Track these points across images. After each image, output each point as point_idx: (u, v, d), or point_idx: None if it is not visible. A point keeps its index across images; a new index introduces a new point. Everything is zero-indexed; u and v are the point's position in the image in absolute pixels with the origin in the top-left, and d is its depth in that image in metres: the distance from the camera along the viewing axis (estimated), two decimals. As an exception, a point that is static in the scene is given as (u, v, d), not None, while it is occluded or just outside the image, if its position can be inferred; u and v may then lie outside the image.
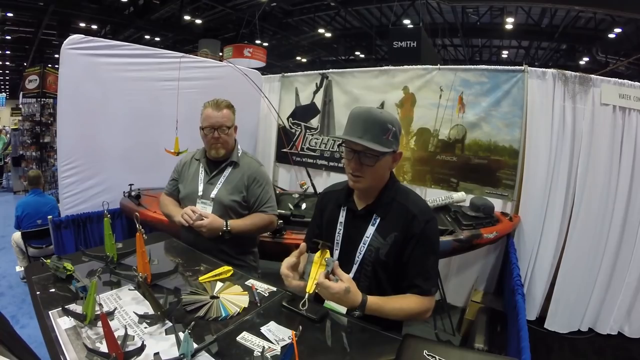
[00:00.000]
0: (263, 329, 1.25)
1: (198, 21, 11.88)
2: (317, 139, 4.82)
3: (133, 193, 3.52)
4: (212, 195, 2.07)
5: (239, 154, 2.18)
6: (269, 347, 1.13)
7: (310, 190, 3.75)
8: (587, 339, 3.43)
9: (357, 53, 15.32)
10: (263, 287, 1.55)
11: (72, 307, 1.27)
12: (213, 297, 1.42)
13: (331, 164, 4.73)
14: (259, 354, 1.04)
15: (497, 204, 3.55)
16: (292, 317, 1.35)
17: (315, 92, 4.81)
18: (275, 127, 5.13)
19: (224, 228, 1.98)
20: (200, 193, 2.10)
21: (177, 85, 3.86)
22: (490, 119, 3.72)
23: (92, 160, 3.61)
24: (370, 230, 1.45)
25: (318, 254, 1.32)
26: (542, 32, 10.74)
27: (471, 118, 3.81)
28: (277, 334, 1.23)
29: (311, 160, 4.81)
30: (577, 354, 3.25)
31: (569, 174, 3.41)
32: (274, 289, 1.54)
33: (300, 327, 0.89)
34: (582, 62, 11.51)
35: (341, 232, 1.51)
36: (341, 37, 13.67)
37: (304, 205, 3.31)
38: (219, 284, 1.53)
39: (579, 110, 3.34)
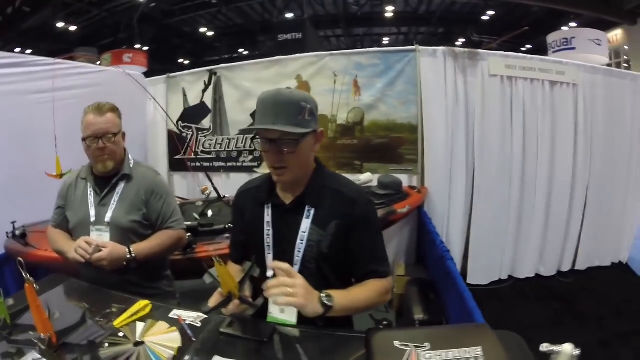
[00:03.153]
0: (209, 369, 1.02)
1: (73, 28, 10.93)
2: (211, 140, 4.59)
3: (17, 232, 2.96)
4: (107, 219, 1.75)
5: (131, 165, 1.88)
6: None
7: (214, 195, 3.52)
8: (509, 286, 3.75)
9: (241, 50, 15.19)
10: (192, 317, 1.30)
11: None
12: (137, 344, 1.14)
13: (229, 164, 4.53)
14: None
15: (404, 179, 3.70)
16: (236, 343, 1.14)
17: (204, 91, 4.55)
18: (164, 133, 4.76)
19: (128, 256, 1.69)
20: (92, 219, 1.77)
21: (52, 96, 3.36)
22: (386, 99, 3.86)
23: None
24: (306, 223, 1.30)
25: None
26: (421, 18, 11.57)
27: (368, 100, 3.91)
28: (228, 370, 1.01)
29: (207, 164, 4.56)
30: (504, 301, 3.53)
31: (466, 142, 3.67)
32: (204, 316, 1.31)
33: None
34: (458, 44, 12.66)
35: (270, 232, 1.34)
36: (223, 35, 13.50)
37: (210, 212, 3.12)
38: (140, 325, 1.25)
39: (470, 83, 3.62)
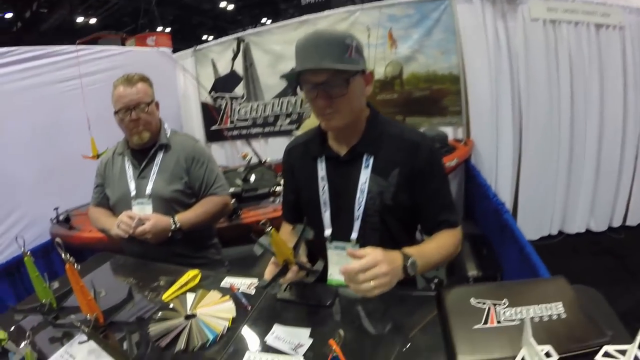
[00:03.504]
0: (269, 340, 0.94)
1: (93, 20, 10.84)
2: (246, 107, 4.53)
3: (61, 217, 3.07)
4: (148, 191, 1.69)
5: (168, 134, 1.80)
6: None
7: (254, 160, 3.46)
8: (560, 242, 3.57)
9: (264, 20, 14.80)
10: (245, 283, 1.22)
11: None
12: (189, 317, 1.07)
13: (267, 129, 4.49)
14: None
15: (448, 132, 3.57)
16: (296, 309, 1.06)
17: (233, 59, 4.45)
18: (198, 106, 4.75)
19: (172, 226, 1.62)
20: (133, 193, 1.71)
21: (79, 83, 3.35)
22: (424, 50, 3.68)
23: (3, 195, 3.08)
24: (365, 174, 1.18)
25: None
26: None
27: (405, 52, 3.74)
28: (290, 339, 0.92)
29: (245, 131, 4.55)
30: (556, 257, 3.31)
31: (511, 90, 3.44)
32: (256, 280, 1.23)
33: (342, 333, 0.59)
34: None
35: (325, 188, 1.23)
36: (244, 7, 13.18)
37: (252, 178, 3.04)
38: (190, 296, 1.18)
39: (510, 29, 3.38)
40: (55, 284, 1.31)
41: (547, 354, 0.73)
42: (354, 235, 1.18)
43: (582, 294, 0.91)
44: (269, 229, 0.94)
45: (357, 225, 1.18)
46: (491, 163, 3.60)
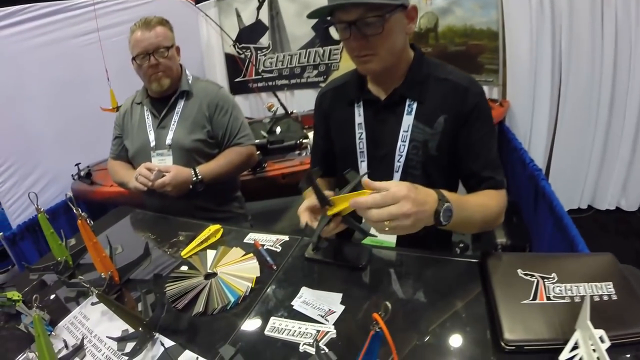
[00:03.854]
0: (296, 304, 0.86)
1: None
2: (272, 58, 4.39)
3: (82, 173, 3.08)
4: (168, 141, 1.62)
5: (190, 81, 1.70)
6: (320, 332, 0.76)
7: (281, 111, 3.35)
8: (589, 217, 3.43)
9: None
10: (270, 240, 1.15)
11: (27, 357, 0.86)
12: (209, 276, 1.00)
13: (293, 81, 4.35)
14: (310, 346, 0.67)
15: (484, 91, 3.30)
16: (326, 271, 0.97)
17: (258, 8, 4.26)
18: (222, 57, 4.60)
19: (194, 178, 1.56)
20: (152, 143, 1.64)
21: (97, 36, 3.25)
22: (462, 2, 3.42)
23: (25, 153, 3.09)
24: (408, 120, 1.07)
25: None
26: None
27: (441, 3, 3.50)
28: (320, 305, 0.84)
29: (270, 83, 4.42)
30: (584, 232, 3.19)
31: (552, 52, 3.20)
32: (286, 237, 1.14)
33: (389, 305, 0.51)
34: None
35: (363, 135, 1.12)
36: None
37: (278, 129, 2.93)
38: (211, 253, 1.11)
39: None
40: (72, 241, 1.27)
41: (600, 339, 0.64)
42: None
43: (630, 276, 0.82)
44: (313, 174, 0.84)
45: (396, 178, 1.09)
46: (526, 128, 3.42)
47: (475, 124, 1.04)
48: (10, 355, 0.87)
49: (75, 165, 3.11)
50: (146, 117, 1.69)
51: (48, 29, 3.17)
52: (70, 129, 3.30)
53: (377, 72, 1.04)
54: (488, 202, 1.01)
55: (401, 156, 1.08)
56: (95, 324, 0.93)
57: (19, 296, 1.01)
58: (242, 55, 4.41)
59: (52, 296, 1.08)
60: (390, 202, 0.75)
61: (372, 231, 1.04)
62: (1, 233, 2.81)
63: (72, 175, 3.12)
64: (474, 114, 1.03)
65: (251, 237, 1.18)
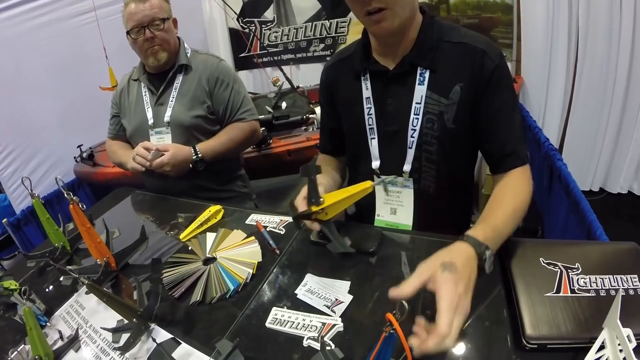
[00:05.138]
0: (299, 293, 0.81)
1: None
2: (277, 32, 4.31)
3: (85, 154, 3.04)
4: (167, 118, 1.55)
5: (188, 54, 1.62)
6: (326, 325, 0.70)
7: (286, 86, 3.25)
8: (600, 200, 3.36)
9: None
10: (274, 221, 1.09)
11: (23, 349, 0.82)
12: (208, 261, 0.95)
13: (298, 55, 4.28)
14: (314, 341, 0.61)
15: (503, 55, 3.22)
16: (333, 256, 0.89)
17: (263, -20, 4.17)
18: (225, 32, 4.54)
19: (194, 156, 1.50)
20: (150, 121, 1.58)
21: (95, 15, 3.21)
22: None
23: (26, 137, 3.10)
24: (420, 91, 0.97)
25: None
26: None
27: None
28: (325, 294, 0.79)
29: (276, 57, 4.33)
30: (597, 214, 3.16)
31: (569, 28, 3.08)
32: (290, 218, 1.07)
33: (405, 305, 0.44)
34: None
35: (372, 111, 1.03)
36: None
37: (284, 104, 2.84)
38: (211, 237, 1.05)
39: None
40: (70, 226, 1.24)
41: (627, 339, 0.58)
42: (407, 167, 1.01)
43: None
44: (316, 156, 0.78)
45: (410, 155, 1.01)
46: (540, 106, 3.32)
47: (495, 91, 0.94)
48: (7, 347, 0.83)
49: (78, 147, 3.08)
50: (143, 94, 1.62)
51: (44, 9, 3.14)
52: (71, 111, 3.29)
53: (393, 30, 0.92)
54: (515, 201, 0.91)
55: (414, 131, 0.99)
56: (90, 313, 0.89)
57: (16, 285, 0.97)
58: (247, 30, 4.31)
59: (49, 284, 1.05)
60: (455, 306, 0.62)
61: (384, 212, 0.99)
62: (5, 219, 2.80)
63: (75, 157, 3.09)
64: (494, 79, 0.93)
65: (253, 218, 1.13)
